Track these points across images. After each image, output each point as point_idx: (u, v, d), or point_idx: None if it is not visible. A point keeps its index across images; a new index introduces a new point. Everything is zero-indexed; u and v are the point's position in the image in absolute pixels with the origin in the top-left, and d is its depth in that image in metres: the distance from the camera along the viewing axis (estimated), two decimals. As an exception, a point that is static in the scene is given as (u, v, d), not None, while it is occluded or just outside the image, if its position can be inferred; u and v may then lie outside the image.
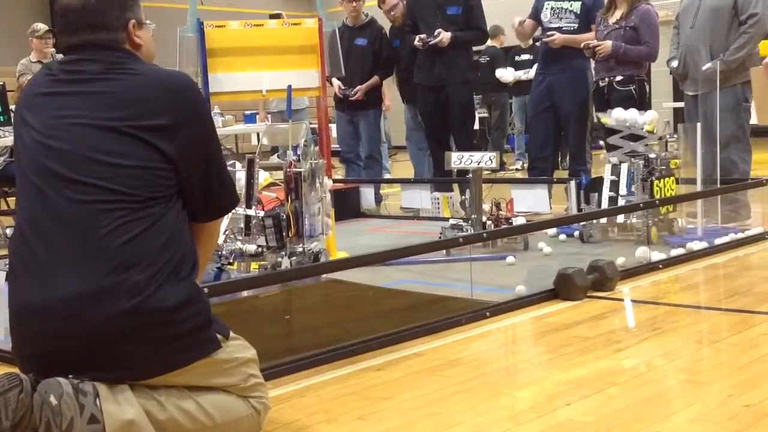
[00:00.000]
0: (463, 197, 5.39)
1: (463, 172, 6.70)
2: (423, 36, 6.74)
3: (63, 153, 2.15)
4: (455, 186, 6.89)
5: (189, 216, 2.28)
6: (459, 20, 6.79)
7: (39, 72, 2.39)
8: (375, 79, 7.54)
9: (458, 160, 5.13)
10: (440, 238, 4.89)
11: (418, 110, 7.25)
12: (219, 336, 2.21)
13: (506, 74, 11.57)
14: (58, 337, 2.06)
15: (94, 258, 2.07)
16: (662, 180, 5.15)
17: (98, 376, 2.07)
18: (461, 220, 5.21)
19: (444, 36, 6.66)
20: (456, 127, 7.01)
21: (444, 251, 4.82)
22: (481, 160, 5.02)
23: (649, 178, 5.12)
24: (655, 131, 5.31)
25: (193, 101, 2.29)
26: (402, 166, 9.38)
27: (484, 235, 4.41)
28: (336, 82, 7.40)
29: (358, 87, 7.47)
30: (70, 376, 2.05)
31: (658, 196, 5.08)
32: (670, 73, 6.32)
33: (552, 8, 6.41)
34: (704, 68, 5.55)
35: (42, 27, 8.58)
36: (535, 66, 11.42)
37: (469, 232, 4.87)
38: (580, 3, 6.33)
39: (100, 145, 2.15)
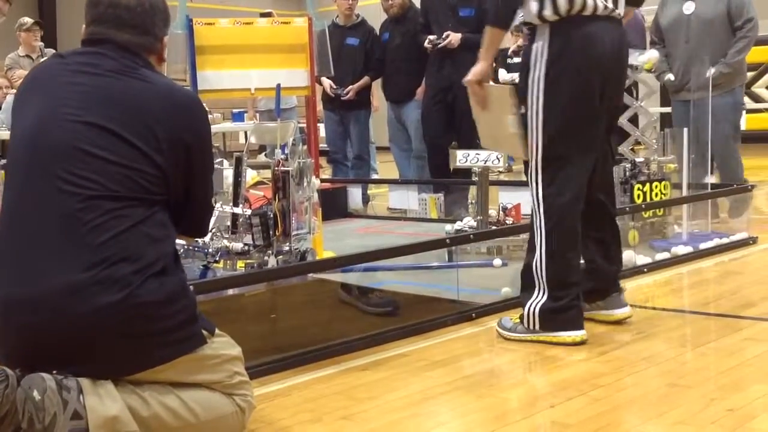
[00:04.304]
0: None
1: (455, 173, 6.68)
2: (432, 38, 6.68)
3: (58, 143, 2.15)
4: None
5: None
6: (471, 22, 6.67)
7: (51, 59, 2.39)
8: (366, 79, 7.51)
9: (464, 158, 5.05)
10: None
11: (422, 110, 7.06)
12: (204, 332, 2.21)
13: None
14: (45, 329, 2.04)
15: (81, 251, 2.06)
16: (649, 184, 5.09)
17: (83, 369, 2.06)
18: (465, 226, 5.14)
19: (453, 37, 6.60)
20: (461, 129, 6.95)
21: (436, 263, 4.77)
22: (489, 159, 4.94)
23: (630, 182, 5.07)
24: (653, 70, 5.60)
25: (195, 122, 2.31)
26: (387, 167, 9.36)
27: (471, 236, 4.40)
28: (327, 81, 7.37)
29: (350, 87, 7.45)
30: (54, 372, 2.03)
31: (639, 201, 5.03)
32: (662, 85, 6.45)
33: None
34: (709, 74, 5.70)
35: (28, 20, 8.55)
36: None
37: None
38: None
39: (94, 140, 2.15)
